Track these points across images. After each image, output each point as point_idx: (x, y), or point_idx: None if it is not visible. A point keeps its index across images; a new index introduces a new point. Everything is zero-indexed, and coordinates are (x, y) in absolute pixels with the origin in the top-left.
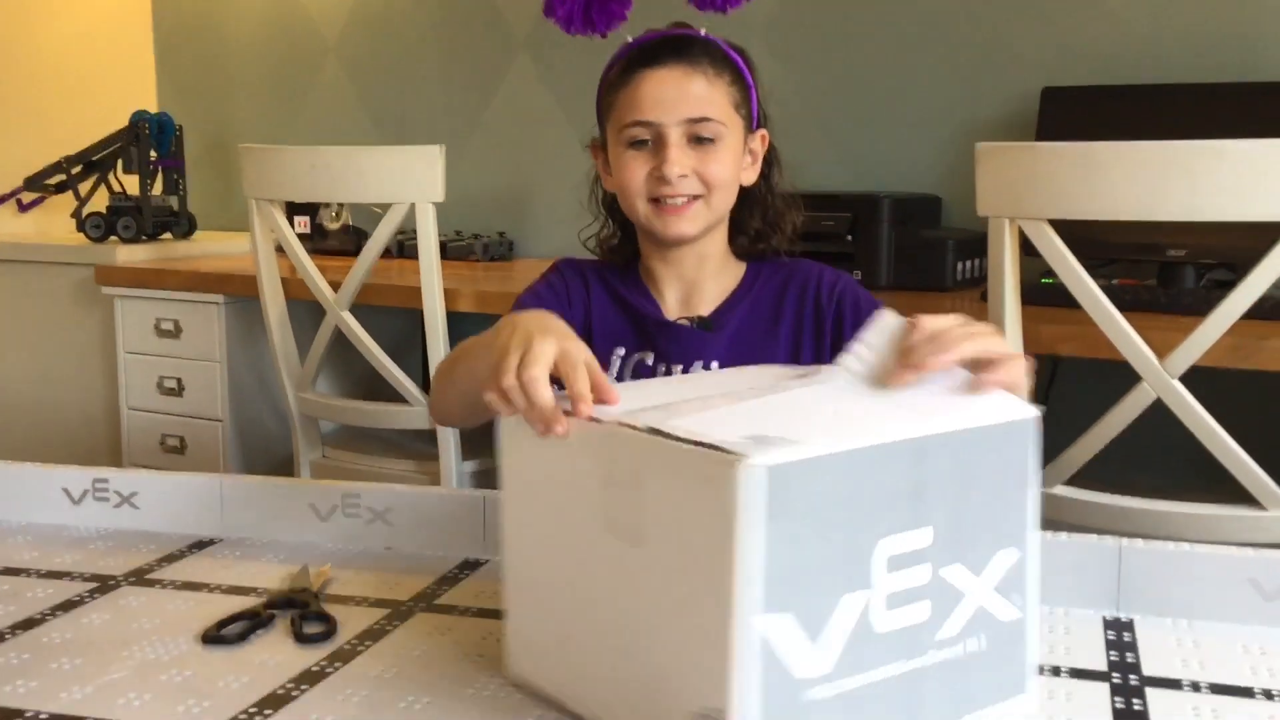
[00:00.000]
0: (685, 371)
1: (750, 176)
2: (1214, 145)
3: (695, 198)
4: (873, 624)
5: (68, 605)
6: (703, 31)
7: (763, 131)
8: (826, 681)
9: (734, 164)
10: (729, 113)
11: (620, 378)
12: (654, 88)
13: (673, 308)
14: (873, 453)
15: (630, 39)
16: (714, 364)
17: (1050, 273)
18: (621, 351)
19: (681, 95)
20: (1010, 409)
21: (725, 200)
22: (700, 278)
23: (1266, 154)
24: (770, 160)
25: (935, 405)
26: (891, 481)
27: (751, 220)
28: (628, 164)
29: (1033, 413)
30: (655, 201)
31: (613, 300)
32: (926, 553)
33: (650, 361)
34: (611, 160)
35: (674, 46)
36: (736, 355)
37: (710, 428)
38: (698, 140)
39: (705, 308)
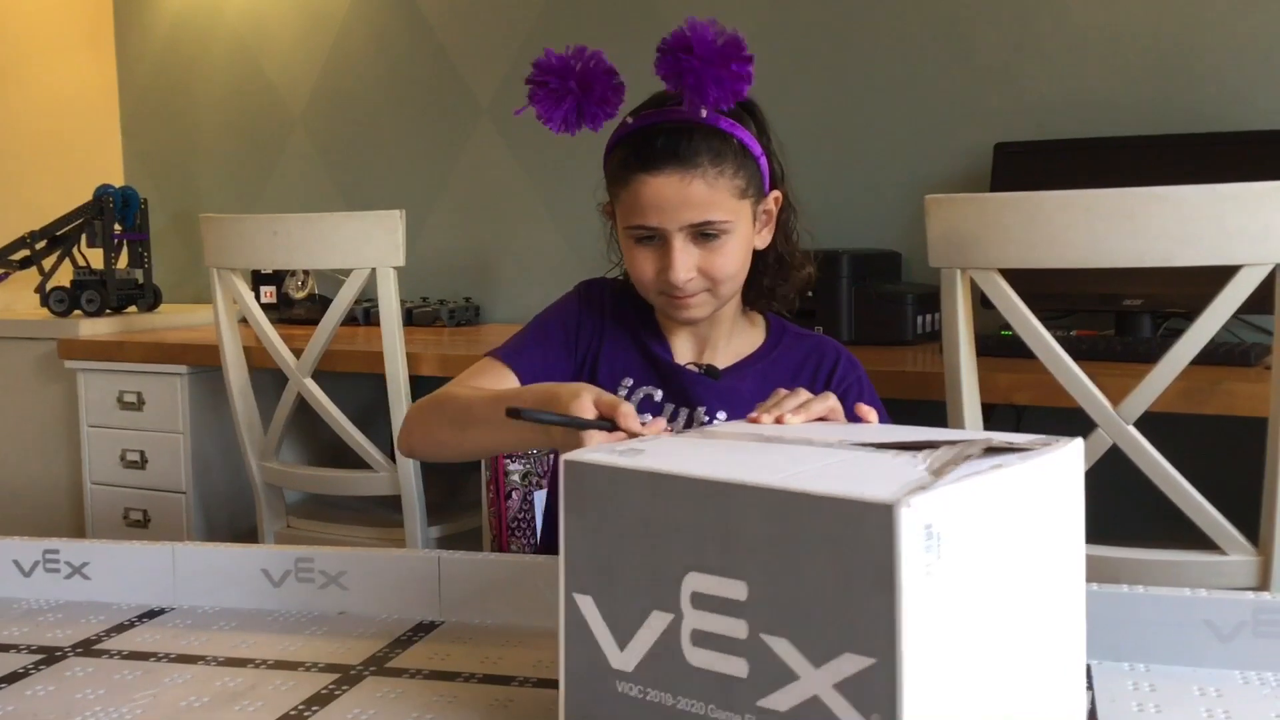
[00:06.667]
0: (691, 414)
1: (764, 239)
2: (1156, 191)
3: (702, 290)
4: (684, 653)
5: (12, 678)
6: (703, 112)
7: (775, 193)
8: (633, 681)
9: (742, 252)
10: (733, 205)
11: None
12: (653, 195)
13: (684, 354)
14: (675, 481)
15: (630, 119)
16: (721, 414)
17: (1009, 325)
18: (629, 382)
19: (682, 201)
20: (877, 493)
21: (733, 286)
22: (714, 335)
23: (1207, 200)
24: (784, 217)
25: (824, 469)
26: (696, 518)
27: (763, 277)
28: (637, 258)
29: (908, 511)
30: (664, 293)
31: (627, 334)
32: (741, 608)
33: (659, 398)
34: (621, 244)
35: (670, 145)
36: (744, 413)
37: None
38: (703, 236)
39: (718, 359)
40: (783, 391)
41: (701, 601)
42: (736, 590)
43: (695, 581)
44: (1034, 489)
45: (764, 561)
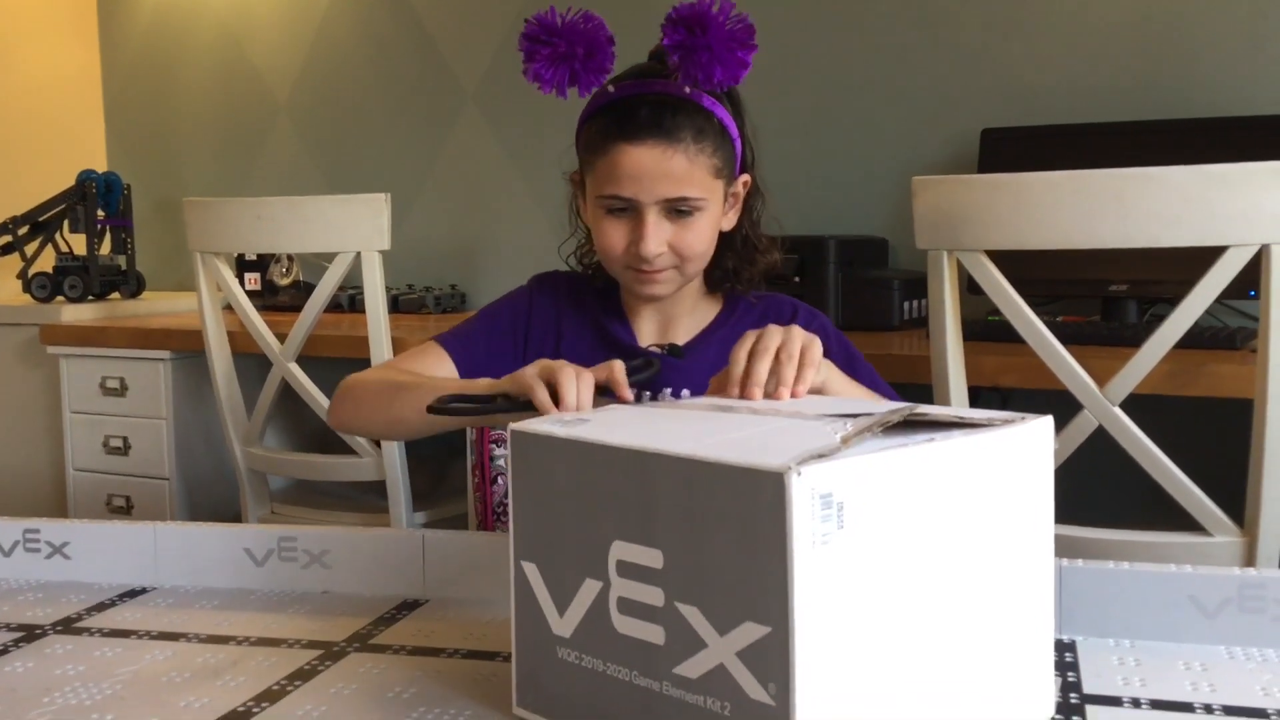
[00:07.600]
0: (654, 397)
1: (730, 221)
2: (1143, 172)
3: (670, 266)
4: (612, 620)
5: None
6: (687, 89)
7: (745, 177)
8: (570, 647)
9: (711, 231)
10: (709, 184)
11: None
12: (632, 165)
13: (647, 335)
14: (601, 451)
15: (611, 88)
16: (684, 392)
17: (996, 310)
18: None
19: (661, 174)
20: (770, 461)
21: (700, 265)
22: (676, 312)
23: (1195, 180)
24: (751, 201)
25: (751, 435)
26: (621, 487)
27: (727, 259)
28: (606, 230)
29: (798, 479)
30: (631, 267)
31: (586, 322)
32: (658, 576)
33: None
34: (590, 215)
35: (654, 117)
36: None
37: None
38: (676, 211)
39: (680, 337)
40: (749, 341)
41: (626, 570)
42: (654, 559)
43: (620, 550)
44: (983, 465)
45: (677, 530)
